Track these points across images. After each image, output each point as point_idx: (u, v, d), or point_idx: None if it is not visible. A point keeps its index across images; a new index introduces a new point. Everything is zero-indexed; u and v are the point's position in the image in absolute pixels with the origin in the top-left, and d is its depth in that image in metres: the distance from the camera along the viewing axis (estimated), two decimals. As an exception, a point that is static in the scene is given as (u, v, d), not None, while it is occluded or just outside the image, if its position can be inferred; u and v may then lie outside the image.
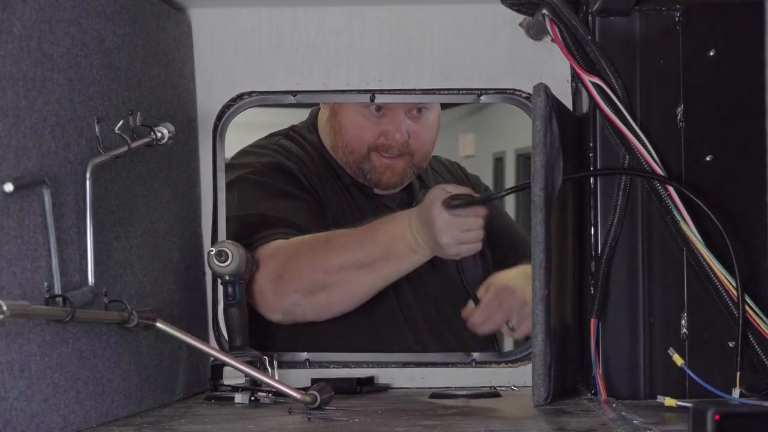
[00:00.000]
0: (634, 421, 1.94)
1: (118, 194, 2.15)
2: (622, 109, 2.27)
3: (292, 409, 2.20)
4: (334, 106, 2.85)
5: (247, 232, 2.67)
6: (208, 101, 2.67)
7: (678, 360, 2.21)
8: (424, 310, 2.84)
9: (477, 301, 2.71)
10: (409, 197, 2.91)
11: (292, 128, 2.95)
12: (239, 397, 2.34)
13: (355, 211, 2.88)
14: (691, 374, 2.18)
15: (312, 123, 2.92)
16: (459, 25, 2.67)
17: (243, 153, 2.88)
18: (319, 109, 2.91)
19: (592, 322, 2.30)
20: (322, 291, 2.63)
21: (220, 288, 2.65)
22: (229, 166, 2.77)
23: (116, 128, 2.08)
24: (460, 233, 2.52)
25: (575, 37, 2.31)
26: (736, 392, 2.16)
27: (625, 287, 2.32)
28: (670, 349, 2.22)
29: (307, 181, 2.83)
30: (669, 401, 2.13)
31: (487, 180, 4.47)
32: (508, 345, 2.90)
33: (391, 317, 2.74)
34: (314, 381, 2.33)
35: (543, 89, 2.19)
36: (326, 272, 2.61)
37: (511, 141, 6.64)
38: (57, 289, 1.86)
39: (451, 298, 2.68)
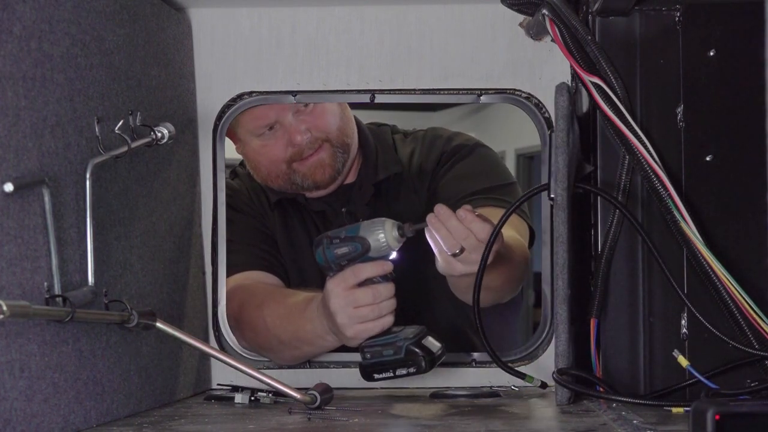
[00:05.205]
0: (634, 421, 1.94)
1: (118, 194, 2.15)
2: (622, 109, 2.27)
3: (292, 409, 2.20)
4: (234, 136, 2.83)
5: None
6: (208, 101, 2.67)
7: (683, 362, 2.20)
8: (425, 309, 2.84)
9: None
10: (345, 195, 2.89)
11: (241, 163, 2.95)
12: (239, 397, 2.34)
13: (311, 227, 2.89)
14: (698, 375, 2.17)
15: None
16: (459, 25, 2.67)
17: None
18: None
19: (592, 322, 2.30)
20: (262, 350, 2.68)
21: (220, 288, 2.66)
22: None
23: (116, 128, 2.08)
24: (353, 309, 2.34)
25: (575, 37, 2.31)
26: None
27: (625, 287, 2.32)
28: (675, 351, 2.22)
29: (261, 227, 2.87)
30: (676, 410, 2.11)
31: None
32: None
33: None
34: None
35: (566, 89, 2.19)
36: (258, 340, 2.65)
37: (511, 141, 6.65)
38: (57, 289, 1.86)
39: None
